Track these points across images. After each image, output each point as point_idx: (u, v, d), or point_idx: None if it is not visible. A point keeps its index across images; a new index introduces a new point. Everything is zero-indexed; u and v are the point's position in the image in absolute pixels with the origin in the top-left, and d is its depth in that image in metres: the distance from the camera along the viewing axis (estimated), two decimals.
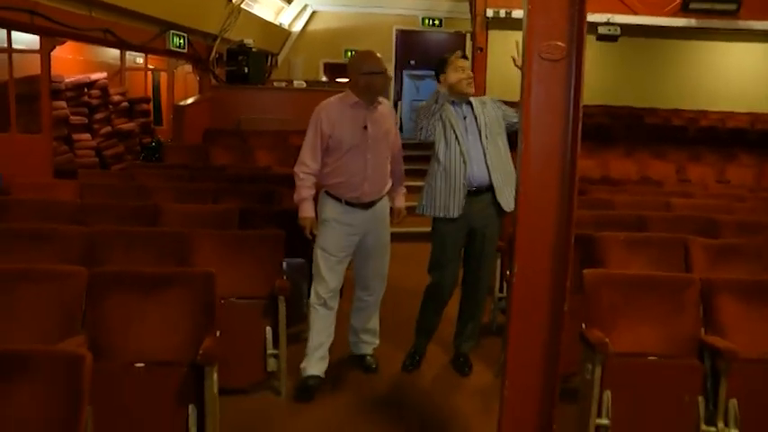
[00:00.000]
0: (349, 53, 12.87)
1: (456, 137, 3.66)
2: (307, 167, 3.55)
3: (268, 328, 3.45)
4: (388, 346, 4.12)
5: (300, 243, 3.76)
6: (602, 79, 12.40)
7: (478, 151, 3.67)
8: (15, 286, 2.67)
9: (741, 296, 2.99)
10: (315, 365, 3.60)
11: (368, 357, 3.95)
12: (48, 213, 4.25)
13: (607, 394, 2.77)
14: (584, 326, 2.89)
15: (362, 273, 3.79)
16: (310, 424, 3.32)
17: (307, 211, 3.55)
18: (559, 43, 2.26)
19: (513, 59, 3.19)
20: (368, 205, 3.61)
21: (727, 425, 2.73)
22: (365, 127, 3.54)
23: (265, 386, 3.55)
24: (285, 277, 3.62)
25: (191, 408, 2.53)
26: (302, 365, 3.61)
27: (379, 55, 3.63)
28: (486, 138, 3.69)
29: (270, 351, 3.46)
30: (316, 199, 3.62)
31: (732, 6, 9.00)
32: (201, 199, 5.02)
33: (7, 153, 7.13)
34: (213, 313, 2.79)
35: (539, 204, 2.36)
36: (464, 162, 3.64)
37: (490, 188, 3.68)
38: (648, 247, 3.89)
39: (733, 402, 2.74)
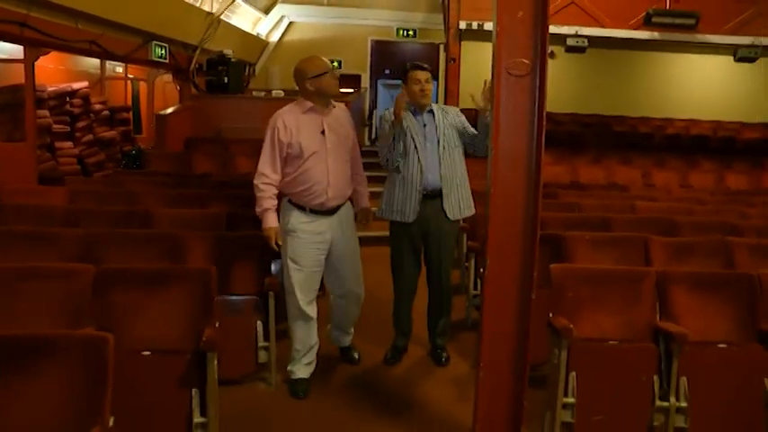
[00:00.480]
0: None
1: (415, 146, 3.84)
2: (267, 178, 3.52)
3: (259, 323, 3.63)
4: (371, 343, 4.38)
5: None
6: (573, 89, 12.82)
7: (434, 160, 3.85)
8: (25, 283, 2.84)
9: (692, 287, 3.29)
10: (302, 370, 3.71)
11: (351, 349, 4.16)
12: (41, 217, 4.42)
13: (572, 375, 3.05)
14: (551, 315, 3.17)
15: (337, 279, 3.81)
16: (300, 412, 3.52)
17: (270, 221, 3.51)
18: (525, 60, 2.55)
19: (485, 82, 3.42)
20: (333, 211, 3.63)
21: (678, 400, 3.03)
22: (323, 132, 3.56)
23: (256, 377, 3.76)
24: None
25: (194, 391, 2.72)
26: (290, 368, 3.73)
27: (321, 58, 3.64)
28: (444, 148, 3.86)
29: (261, 344, 3.62)
30: (277, 209, 3.61)
31: (691, 21, 9.47)
32: (189, 204, 5.21)
33: None
34: (212, 306, 2.98)
35: (507, 203, 2.66)
36: (420, 171, 3.84)
37: (441, 194, 3.88)
38: (612, 246, 4.20)
39: (683, 380, 3.04)
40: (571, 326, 3.02)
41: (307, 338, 3.70)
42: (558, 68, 12.60)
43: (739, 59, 10.33)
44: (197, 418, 2.73)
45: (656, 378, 3.08)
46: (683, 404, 3.03)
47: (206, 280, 2.99)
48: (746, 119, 12.83)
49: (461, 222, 4.45)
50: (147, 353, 2.77)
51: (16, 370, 2.03)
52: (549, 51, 10.77)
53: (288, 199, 3.63)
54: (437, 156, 3.85)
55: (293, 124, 3.52)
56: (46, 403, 2.05)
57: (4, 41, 6.50)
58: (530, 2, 2.54)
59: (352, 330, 4.16)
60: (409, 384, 3.94)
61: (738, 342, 3.16)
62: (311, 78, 3.53)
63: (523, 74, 2.57)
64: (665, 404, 3.04)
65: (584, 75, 12.90)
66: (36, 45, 6.44)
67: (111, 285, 2.91)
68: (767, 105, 12.60)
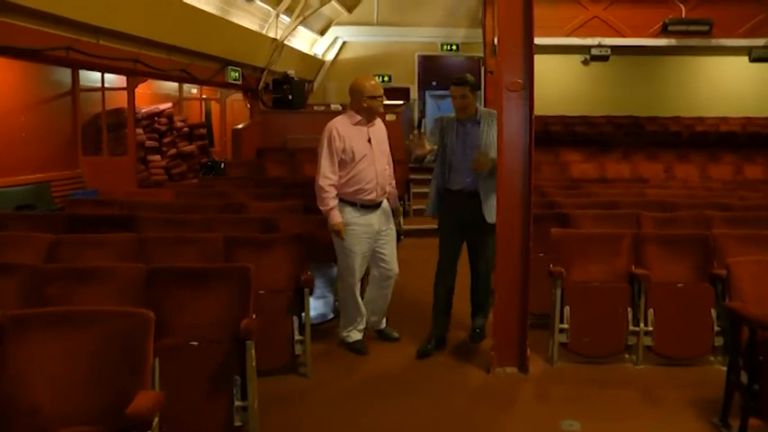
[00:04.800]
0: (377, 78, 14.39)
1: (451, 152, 4.31)
2: (329, 179, 4.12)
3: (295, 317, 3.93)
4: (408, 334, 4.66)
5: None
6: (606, 93, 13.79)
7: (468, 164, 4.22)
8: (86, 282, 3.28)
9: (660, 244, 4.33)
10: (357, 334, 4.40)
11: (387, 329, 4.62)
12: (164, 209, 5.68)
13: (567, 308, 4.14)
14: (551, 266, 4.26)
15: (383, 263, 4.34)
16: (333, 398, 3.74)
17: (336, 217, 4.12)
18: (518, 80, 3.69)
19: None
20: (379, 205, 4.28)
21: (646, 325, 4.08)
22: (369, 140, 4.20)
23: (291, 369, 3.99)
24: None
25: (236, 377, 3.01)
26: (345, 334, 4.38)
27: (376, 80, 4.27)
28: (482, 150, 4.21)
29: (297, 337, 3.91)
30: None
31: (705, 27, 10.38)
32: (270, 199, 6.45)
33: (100, 172, 8.73)
34: (249, 300, 3.22)
35: (511, 178, 3.81)
36: (450, 173, 4.34)
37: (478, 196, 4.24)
38: (610, 220, 5.23)
39: (650, 311, 4.10)
40: (563, 270, 4.13)
41: (360, 309, 4.38)
42: (592, 75, 13.64)
43: (754, 60, 11.17)
44: (238, 402, 2.99)
45: (629, 309, 4.13)
46: (650, 328, 4.08)
47: (244, 277, 3.25)
48: None
49: None
50: (195, 343, 3.07)
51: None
52: (584, 59, 11.85)
53: (340, 198, 4.19)
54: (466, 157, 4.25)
55: (345, 133, 4.15)
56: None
57: (122, 75, 7.97)
58: (521, 39, 3.69)
59: (384, 315, 4.63)
60: (445, 371, 4.14)
61: (693, 282, 4.19)
62: (368, 98, 4.18)
63: (518, 90, 3.72)
64: (637, 329, 4.09)
65: (617, 80, 13.80)
66: (142, 76, 7.89)
67: (161, 282, 3.23)
68: None
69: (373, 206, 4.23)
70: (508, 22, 3.70)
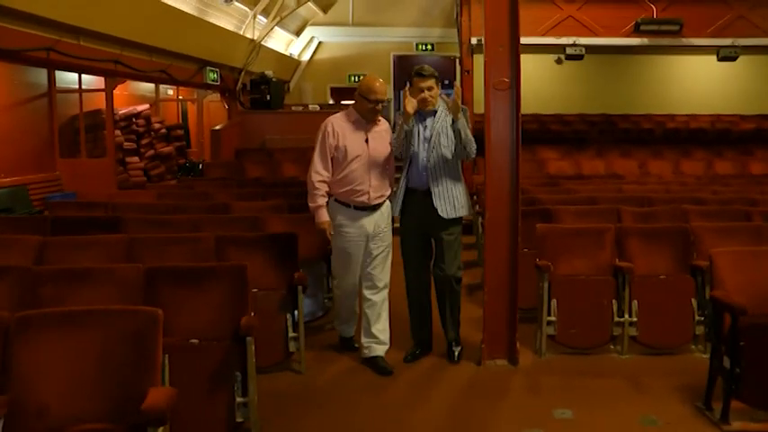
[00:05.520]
0: (352, 78, 14.47)
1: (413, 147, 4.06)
2: (320, 175, 3.98)
3: (288, 315, 3.95)
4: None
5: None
6: (580, 91, 14.05)
7: (424, 159, 4.02)
8: (81, 282, 3.29)
9: (642, 237, 4.46)
10: (347, 331, 4.41)
11: (379, 359, 4.09)
12: (148, 209, 5.72)
13: (554, 301, 4.24)
14: (537, 260, 4.36)
15: (370, 270, 4.10)
16: (327, 394, 3.78)
17: (323, 216, 3.98)
18: (505, 79, 3.77)
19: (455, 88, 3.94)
20: (374, 208, 4.06)
21: (630, 316, 4.20)
22: (366, 140, 4.01)
23: (286, 366, 4.00)
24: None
25: (236, 374, 3.06)
26: (337, 326, 4.45)
27: (382, 84, 4.00)
28: (433, 147, 3.99)
29: (291, 334, 3.93)
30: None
31: (675, 27, 10.65)
32: (253, 198, 6.48)
33: (78, 175, 8.66)
34: (247, 297, 3.28)
35: (499, 175, 3.90)
36: (411, 169, 4.11)
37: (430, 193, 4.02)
38: (591, 215, 5.36)
39: (634, 303, 4.22)
40: (550, 264, 4.23)
41: (353, 313, 4.34)
42: (565, 74, 13.86)
43: (721, 59, 11.49)
44: (239, 398, 3.05)
45: (614, 301, 4.25)
46: (634, 319, 4.20)
47: (241, 276, 3.30)
48: (744, 111, 13.87)
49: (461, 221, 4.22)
50: (195, 341, 3.11)
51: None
52: (557, 58, 12.10)
53: (335, 198, 4.06)
54: (426, 155, 4.00)
55: (341, 130, 3.99)
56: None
57: (103, 76, 7.92)
58: (507, 39, 3.78)
59: (384, 339, 4.15)
60: (437, 365, 4.18)
61: (674, 274, 4.32)
62: (372, 100, 3.96)
63: (505, 89, 3.81)
64: (622, 320, 4.22)
65: (590, 78, 14.06)
66: (122, 77, 7.84)
67: (159, 281, 3.26)
68: (762, 98, 13.63)
69: (367, 209, 4.05)
70: (494, 22, 3.79)
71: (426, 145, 3.99)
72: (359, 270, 4.14)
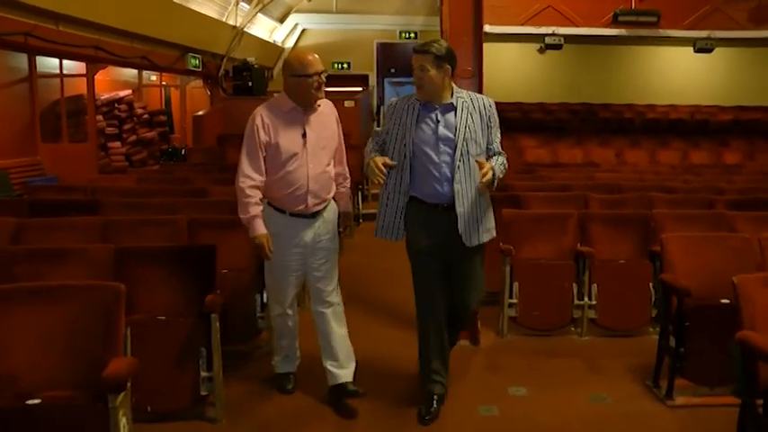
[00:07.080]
0: (336, 65, 14.56)
1: (413, 151, 3.26)
2: (251, 180, 3.21)
3: (257, 295, 3.86)
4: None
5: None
6: (562, 80, 14.16)
7: (447, 167, 3.23)
8: (55, 262, 3.36)
9: (604, 223, 4.61)
10: (284, 366, 3.62)
11: (348, 386, 3.38)
12: (128, 194, 5.82)
13: (516, 284, 4.39)
14: (501, 244, 4.49)
15: (317, 285, 3.41)
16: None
17: (258, 228, 3.22)
18: (468, 68, 3.90)
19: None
20: (314, 215, 3.34)
21: (590, 299, 4.36)
22: (304, 134, 3.25)
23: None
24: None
25: (201, 350, 3.16)
26: (273, 363, 3.66)
27: (314, 56, 3.24)
28: (461, 153, 3.20)
29: (259, 314, 3.82)
30: None
31: (653, 18, 10.81)
32: (231, 183, 6.53)
33: (59, 159, 8.70)
34: (214, 277, 3.36)
35: None
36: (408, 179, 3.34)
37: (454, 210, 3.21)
38: (560, 201, 5.51)
39: (594, 286, 4.37)
40: (512, 248, 4.38)
41: (291, 338, 3.60)
42: (548, 63, 14.00)
43: (698, 51, 11.68)
44: (204, 373, 3.14)
45: (574, 285, 4.40)
46: (594, 302, 4.36)
47: (209, 255, 3.39)
48: (723, 102, 14.08)
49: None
50: (163, 317, 3.21)
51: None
52: (539, 47, 12.26)
53: (268, 202, 3.35)
54: (448, 159, 3.16)
55: (272, 123, 3.23)
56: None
57: (83, 61, 7.96)
58: (471, 30, 3.90)
59: (348, 364, 3.42)
60: (400, 345, 4.06)
61: (633, 259, 4.48)
62: (294, 76, 3.21)
63: (468, 77, 3.94)
64: (582, 303, 4.37)
65: (573, 68, 14.18)
66: (103, 62, 7.90)
67: (128, 261, 3.35)
68: (740, 89, 13.84)
69: (305, 216, 3.32)
70: (458, 13, 3.91)
71: (443, 146, 3.15)
72: (295, 289, 3.48)
